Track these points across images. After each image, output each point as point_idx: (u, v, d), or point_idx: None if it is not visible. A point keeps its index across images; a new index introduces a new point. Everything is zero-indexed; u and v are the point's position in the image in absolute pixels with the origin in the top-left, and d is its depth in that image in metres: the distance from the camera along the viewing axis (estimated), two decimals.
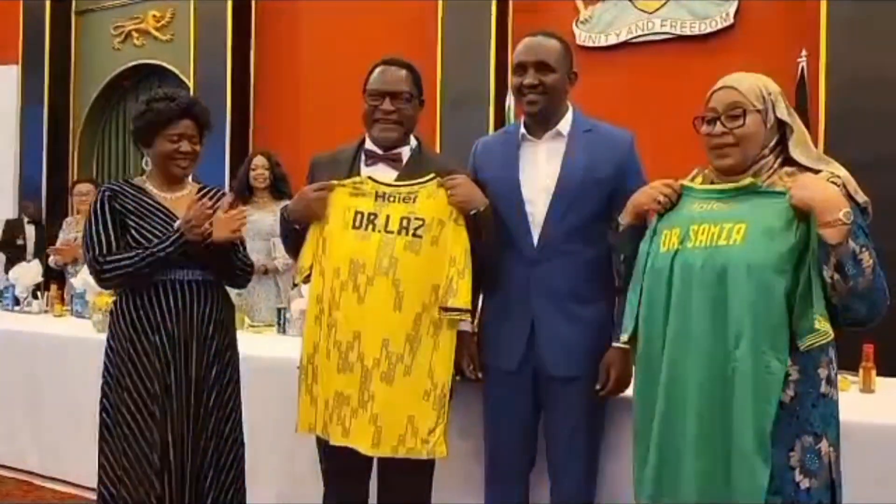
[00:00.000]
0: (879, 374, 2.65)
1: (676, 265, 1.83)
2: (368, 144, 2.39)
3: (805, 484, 1.75)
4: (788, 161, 1.86)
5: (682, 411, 1.80)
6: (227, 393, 2.58)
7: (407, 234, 2.23)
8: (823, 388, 1.78)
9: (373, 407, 2.21)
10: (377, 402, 2.21)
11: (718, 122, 1.86)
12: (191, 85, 7.42)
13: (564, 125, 2.32)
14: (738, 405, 1.74)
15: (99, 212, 2.51)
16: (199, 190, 2.66)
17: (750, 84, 1.86)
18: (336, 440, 2.25)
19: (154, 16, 7.95)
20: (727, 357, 1.74)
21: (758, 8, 5.08)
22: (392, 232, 2.24)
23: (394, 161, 2.36)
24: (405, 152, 2.38)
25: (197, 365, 2.50)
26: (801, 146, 1.86)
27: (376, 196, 2.28)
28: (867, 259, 1.70)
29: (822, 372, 1.78)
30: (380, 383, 2.21)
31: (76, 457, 3.58)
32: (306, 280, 2.36)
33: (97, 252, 2.48)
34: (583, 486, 2.33)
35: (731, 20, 5.15)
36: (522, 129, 2.37)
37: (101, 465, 2.50)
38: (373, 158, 2.36)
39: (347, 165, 2.38)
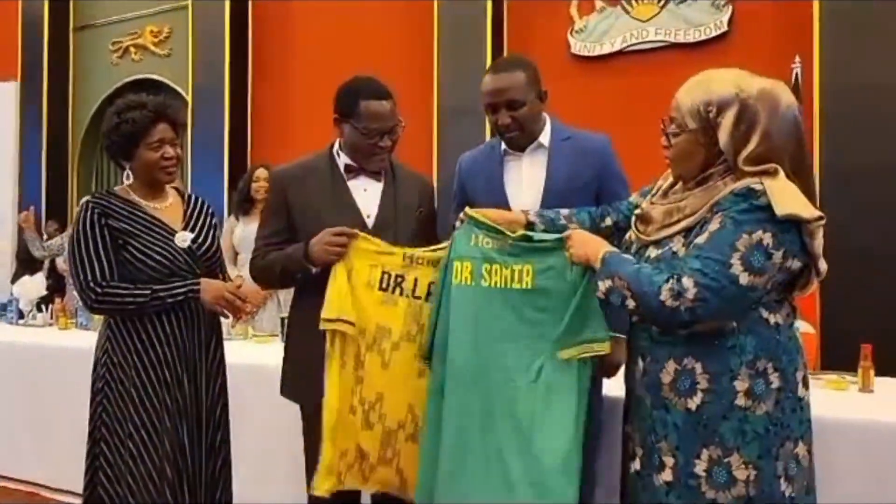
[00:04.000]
0: (877, 373, 2.67)
1: (474, 301, 2.07)
2: (346, 159, 2.39)
3: (710, 495, 1.71)
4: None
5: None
6: (225, 406, 2.57)
7: None
8: (740, 400, 1.69)
9: (398, 462, 2.22)
10: (403, 458, 2.21)
11: (663, 134, 1.83)
12: (189, 99, 7.46)
13: (544, 137, 2.38)
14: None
15: (90, 231, 2.36)
16: (183, 197, 2.58)
17: (691, 100, 1.76)
18: (354, 486, 2.25)
19: (152, 31, 8.00)
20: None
21: (752, 15, 5.13)
22: (420, 297, 2.21)
23: (375, 174, 2.39)
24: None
25: (206, 378, 2.48)
26: (751, 158, 1.71)
27: (404, 257, 2.24)
28: (621, 286, 1.74)
29: (740, 384, 1.69)
30: (405, 443, 2.21)
31: (81, 468, 3.59)
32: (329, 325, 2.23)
33: (91, 278, 2.35)
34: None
35: (726, 27, 5.20)
36: (504, 145, 2.40)
37: (98, 483, 2.40)
38: (354, 172, 2.39)
39: (328, 180, 2.37)
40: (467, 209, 2.18)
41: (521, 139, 2.36)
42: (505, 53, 6.00)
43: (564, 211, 2.18)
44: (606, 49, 5.65)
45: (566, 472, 1.96)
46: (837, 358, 2.95)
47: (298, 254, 2.27)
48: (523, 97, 2.30)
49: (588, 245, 1.88)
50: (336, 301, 2.19)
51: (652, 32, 5.49)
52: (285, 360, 2.47)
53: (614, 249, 1.85)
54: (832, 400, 2.33)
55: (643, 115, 5.29)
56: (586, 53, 5.69)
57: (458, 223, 2.21)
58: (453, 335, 2.10)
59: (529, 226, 2.12)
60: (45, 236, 8.09)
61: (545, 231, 2.11)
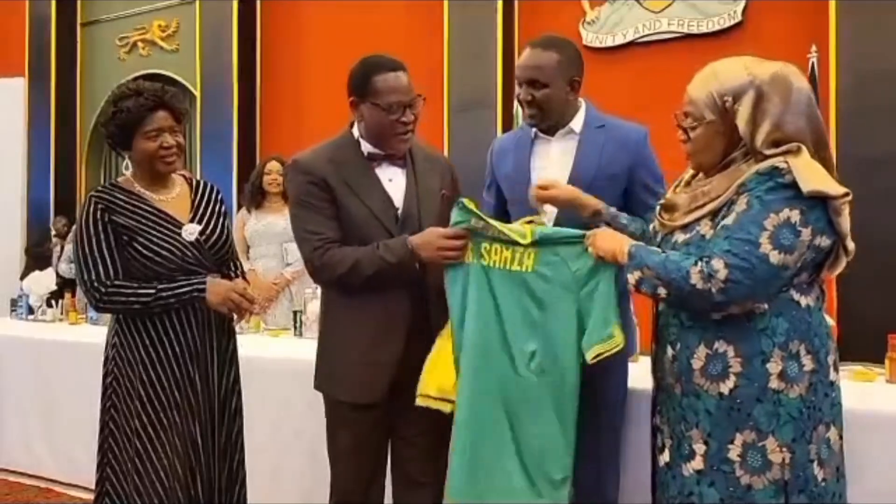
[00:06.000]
0: None
1: (474, 280, 2.14)
2: (368, 147, 2.33)
3: (745, 480, 1.69)
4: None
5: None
6: (239, 398, 2.54)
7: None
8: (773, 383, 1.68)
9: None
10: None
11: (679, 128, 1.82)
12: (197, 94, 7.45)
13: (576, 123, 2.33)
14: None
15: (92, 228, 2.31)
16: (190, 185, 2.53)
17: (706, 92, 1.77)
18: None
19: (159, 25, 7.98)
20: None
21: (766, 5, 5.06)
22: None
23: (397, 160, 2.34)
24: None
25: (219, 373, 2.44)
26: (769, 141, 1.72)
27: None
28: (650, 276, 1.76)
29: (773, 367, 1.68)
30: None
31: (93, 463, 3.57)
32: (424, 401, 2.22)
33: (95, 277, 2.30)
34: (602, 485, 2.31)
35: (740, 17, 5.13)
36: (535, 128, 2.37)
37: (105, 479, 2.38)
38: (377, 161, 2.32)
39: (359, 170, 2.30)
40: (485, 220, 2.17)
41: (540, 121, 2.32)
42: (516, 45, 5.96)
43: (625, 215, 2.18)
44: (619, 40, 5.60)
45: (556, 461, 2.04)
46: (855, 349, 2.91)
47: (401, 255, 2.17)
48: (547, 79, 2.26)
49: (612, 241, 1.91)
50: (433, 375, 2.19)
51: (665, 23, 5.44)
52: (320, 354, 2.41)
53: (639, 243, 1.87)
54: (861, 391, 2.29)
55: (656, 106, 5.24)
56: (598, 45, 5.64)
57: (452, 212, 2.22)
58: (456, 314, 2.15)
59: (596, 214, 2.13)
60: (52, 232, 8.12)
61: (608, 225, 2.10)
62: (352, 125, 2.38)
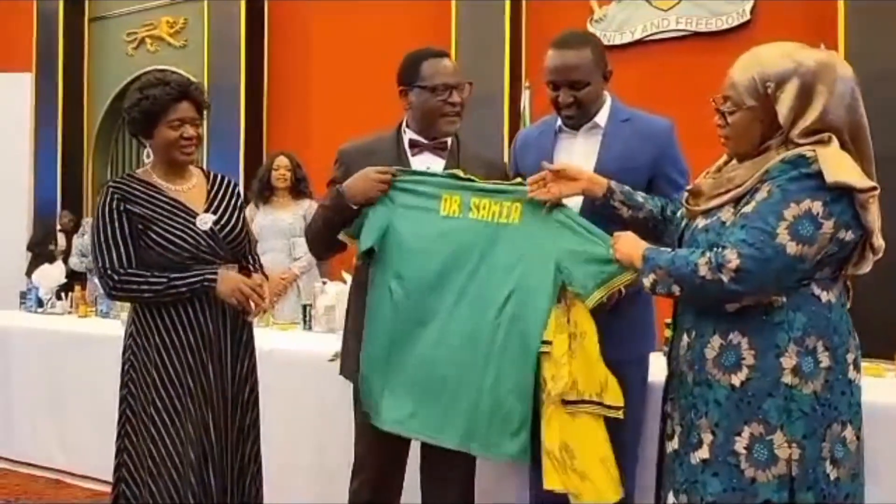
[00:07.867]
0: None
1: (462, 232, 2.17)
2: (411, 134, 2.37)
3: (750, 473, 1.68)
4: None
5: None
6: (254, 388, 2.55)
7: None
8: (786, 378, 1.66)
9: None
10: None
11: (718, 113, 1.81)
12: (205, 90, 7.44)
13: (601, 117, 2.31)
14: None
15: (108, 217, 2.36)
16: (207, 177, 2.56)
17: (748, 77, 1.74)
18: None
19: (167, 22, 8.01)
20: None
21: (774, 3, 5.07)
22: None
23: (439, 150, 2.36)
24: (449, 141, 2.38)
25: (232, 361, 2.45)
26: (805, 131, 1.70)
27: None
28: (663, 276, 1.77)
29: (787, 361, 1.66)
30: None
31: (103, 455, 3.56)
32: None
33: (110, 264, 2.35)
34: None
35: (748, 16, 5.14)
36: (559, 122, 2.36)
37: (122, 464, 2.42)
38: (418, 148, 2.36)
39: (391, 157, 2.34)
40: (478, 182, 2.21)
41: (579, 120, 2.30)
42: (523, 43, 5.97)
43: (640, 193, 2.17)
44: (627, 38, 5.61)
45: (520, 404, 2.06)
46: (865, 345, 2.92)
47: (333, 196, 2.27)
48: (588, 77, 2.23)
49: (632, 247, 1.91)
50: None
51: (673, 21, 5.45)
52: (343, 343, 2.45)
53: (652, 246, 1.87)
54: (871, 387, 2.29)
55: (665, 104, 5.26)
56: (606, 43, 5.60)
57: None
58: (430, 265, 2.18)
59: (610, 192, 2.10)
60: (58, 227, 8.14)
61: (623, 203, 2.11)
62: (399, 125, 2.42)
